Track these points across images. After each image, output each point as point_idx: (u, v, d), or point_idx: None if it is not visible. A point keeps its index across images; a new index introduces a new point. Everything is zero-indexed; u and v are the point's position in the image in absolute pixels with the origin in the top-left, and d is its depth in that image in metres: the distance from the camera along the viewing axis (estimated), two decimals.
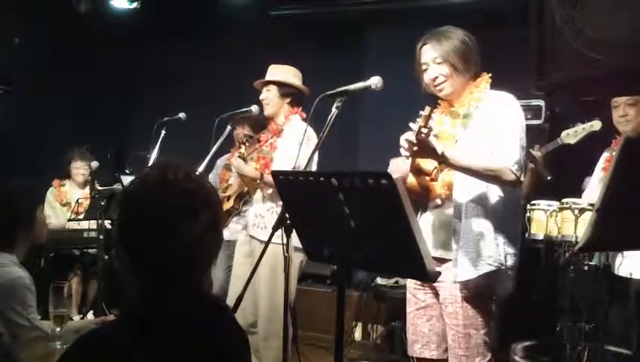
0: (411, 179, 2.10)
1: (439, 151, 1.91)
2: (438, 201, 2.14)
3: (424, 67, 2.17)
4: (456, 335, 2.08)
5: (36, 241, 2.44)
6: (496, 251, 2.05)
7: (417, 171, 2.08)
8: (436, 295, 2.18)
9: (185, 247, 1.22)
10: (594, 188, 3.18)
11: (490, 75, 2.18)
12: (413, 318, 2.25)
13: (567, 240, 3.03)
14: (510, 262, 2.09)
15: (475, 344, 2.07)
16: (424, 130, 1.85)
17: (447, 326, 2.12)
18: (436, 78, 2.13)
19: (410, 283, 2.27)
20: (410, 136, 1.90)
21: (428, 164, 2.06)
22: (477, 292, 2.07)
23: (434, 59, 2.13)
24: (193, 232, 1.22)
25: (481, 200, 2.06)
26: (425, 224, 2.18)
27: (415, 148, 1.89)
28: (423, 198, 2.15)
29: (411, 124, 1.91)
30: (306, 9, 5.24)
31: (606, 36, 1.35)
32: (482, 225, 2.05)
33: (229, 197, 3.82)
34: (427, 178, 2.09)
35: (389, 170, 2.15)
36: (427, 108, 1.87)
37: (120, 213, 1.27)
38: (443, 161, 1.95)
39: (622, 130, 3.05)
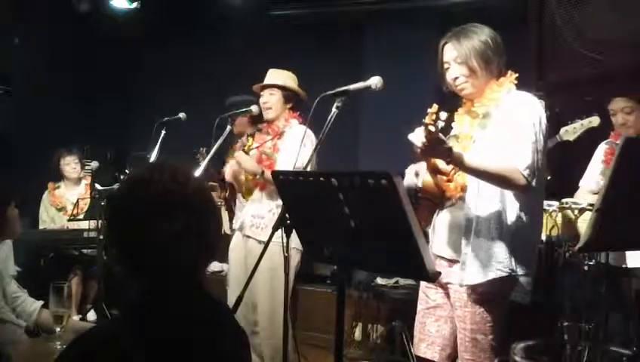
0: (427, 178, 2.08)
1: (448, 150, 1.85)
2: (453, 201, 2.10)
3: (446, 66, 2.12)
4: (464, 339, 2.06)
5: (9, 238, 2.44)
6: (508, 257, 1.98)
7: (434, 170, 2.05)
8: (447, 295, 2.16)
9: (160, 248, 1.20)
10: (591, 177, 3.21)
11: (516, 75, 2.10)
12: (422, 317, 2.23)
13: (567, 240, 3.03)
14: (521, 270, 2.01)
15: (481, 349, 2.04)
16: (431, 128, 1.78)
17: (457, 328, 2.10)
18: (457, 78, 2.08)
19: (423, 282, 2.24)
20: (419, 134, 1.83)
21: (445, 163, 2.00)
22: (486, 298, 2.02)
23: (454, 59, 2.08)
24: (168, 233, 1.19)
25: (494, 204, 2.00)
26: (439, 223, 2.17)
27: (425, 147, 1.83)
28: (438, 198, 2.12)
29: (423, 127, 1.84)
30: (306, 9, 5.24)
31: (606, 36, 1.35)
32: (495, 230, 1.99)
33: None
34: (444, 178, 2.06)
35: (407, 172, 2.15)
36: (434, 106, 1.80)
37: (106, 212, 1.28)
38: (452, 161, 1.88)
39: (627, 134, 3.08)
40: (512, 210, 2.00)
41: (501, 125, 2.03)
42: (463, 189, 2.05)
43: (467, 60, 2.04)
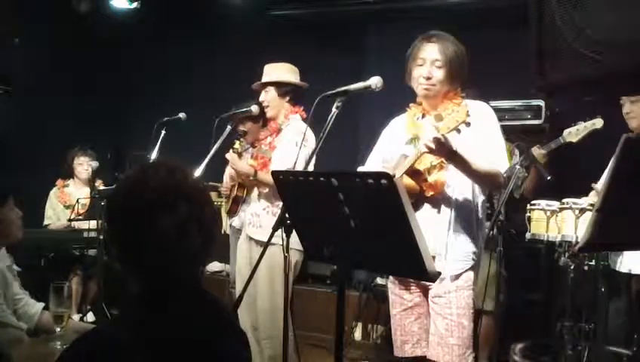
0: (406, 180, 2.14)
1: (454, 150, 1.99)
2: (428, 200, 2.19)
3: (420, 62, 2.19)
4: (450, 324, 2.11)
5: (8, 241, 2.41)
6: (476, 246, 2.18)
7: (413, 172, 2.14)
8: (424, 293, 2.22)
9: (160, 246, 1.21)
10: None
11: (459, 89, 2.24)
12: (400, 319, 2.27)
13: (567, 240, 3.04)
14: (477, 256, 2.22)
15: (467, 335, 2.12)
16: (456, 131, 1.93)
17: (436, 319, 2.15)
18: (430, 78, 2.16)
19: (393, 285, 2.29)
20: (436, 134, 1.95)
21: (421, 164, 2.13)
22: (466, 284, 2.15)
23: (434, 60, 2.16)
24: (167, 230, 1.20)
25: (468, 201, 2.18)
26: None
27: (439, 146, 1.95)
28: (414, 197, 2.18)
29: (435, 123, 1.95)
30: (306, 9, 5.24)
31: (606, 36, 1.35)
32: (468, 223, 2.17)
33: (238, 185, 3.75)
34: (420, 177, 2.16)
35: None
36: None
37: (105, 211, 1.29)
38: (454, 159, 2.01)
39: (630, 126, 3.10)
40: (478, 206, 2.21)
41: (471, 131, 2.10)
42: (439, 187, 2.16)
43: (448, 65, 2.14)
